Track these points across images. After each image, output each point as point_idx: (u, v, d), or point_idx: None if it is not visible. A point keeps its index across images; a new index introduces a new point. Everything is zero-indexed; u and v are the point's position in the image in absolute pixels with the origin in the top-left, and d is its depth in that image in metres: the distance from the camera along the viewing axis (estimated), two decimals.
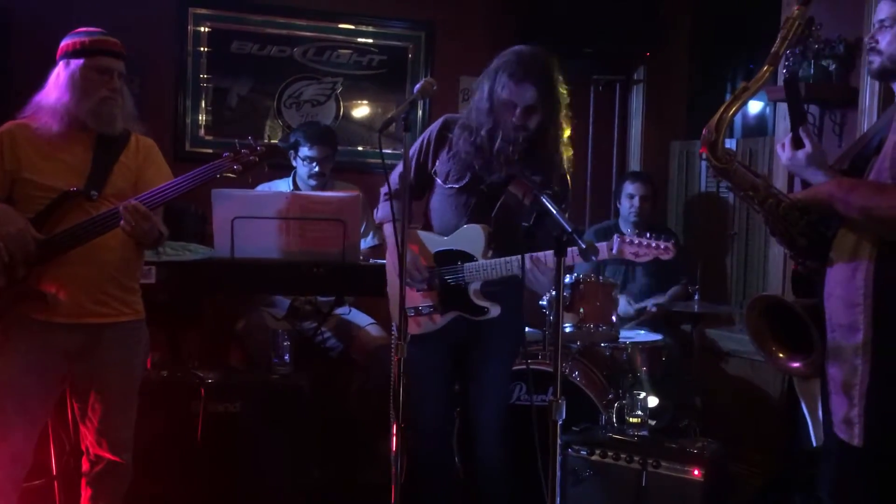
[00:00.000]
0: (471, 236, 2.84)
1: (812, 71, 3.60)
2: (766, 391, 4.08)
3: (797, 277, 2.18)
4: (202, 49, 4.36)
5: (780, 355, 2.12)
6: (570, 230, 2.09)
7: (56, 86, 2.52)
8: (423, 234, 2.93)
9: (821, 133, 3.73)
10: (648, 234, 2.69)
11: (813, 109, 3.74)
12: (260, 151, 2.58)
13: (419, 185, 2.97)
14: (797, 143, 2.09)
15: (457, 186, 2.85)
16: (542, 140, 2.78)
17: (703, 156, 2.02)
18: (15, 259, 2.42)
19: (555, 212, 2.22)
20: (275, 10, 4.44)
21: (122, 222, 2.42)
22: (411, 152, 2.93)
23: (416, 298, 2.88)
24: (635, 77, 4.89)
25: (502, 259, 2.76)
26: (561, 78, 2.80)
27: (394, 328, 3.04)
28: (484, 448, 2.95)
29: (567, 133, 2.85)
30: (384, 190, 2.98)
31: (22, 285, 2.46)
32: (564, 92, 2.80)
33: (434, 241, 2.90)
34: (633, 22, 4.46)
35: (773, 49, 1.98)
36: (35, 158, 2.51)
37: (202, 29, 4.35)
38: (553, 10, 4.42)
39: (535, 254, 2.67)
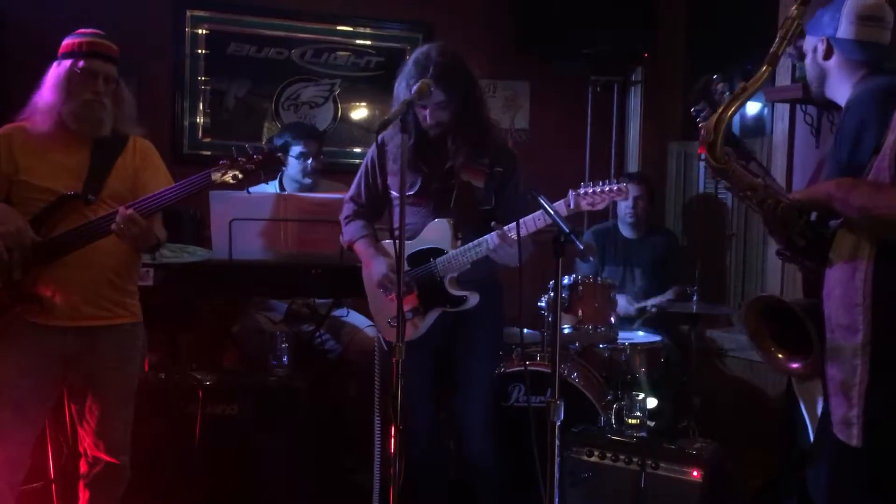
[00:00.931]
0: (437, 231, 2.88)
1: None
2: (765, 392, 4.08)
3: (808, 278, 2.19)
4: (200, 51, 4.35)
5: (779, 356, 2.12)
6: (567, 231, 2.09)
7: (47, 86, 2.53)
8: (388, 242, 2.98)
9: (819, 133, 3.73)
10: (602, 182, 2.65)
11: (811, 110, 3.74)
12: (257, 159, 2.57)
13: (377, 206, 3.05)
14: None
15: (411, 193, 2.89)
16: (469, 123, 2.82)
17: (702, 156, 2.02)
18: (12, 259, 2.41)
19: (552, 212, 2.22)
20: (273, 12, 4.44)
21: (112, 226, 2.42)
22: (357, 176, 3.05)
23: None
24: (633, 78, 4.89)
25: (470, 244, 2.80)
26: (459, 62, 2.83)
27: (379, 338, 3.05)
28: (472, 446, 2.98)
29: (487, 109, 2.92)
30: (342, 216, 3.06)
31: (18, 288, 2.45)
32: (473, 77, 2.85)
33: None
34: (630, 23, 4.46)
35: (771, 49, 1.98)
36: (32, 161, 2.51)
37: (200, 31, 4.35)
38: (551, 12, 4.42)
39: (498, 230, 2.70)
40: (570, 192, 2.67)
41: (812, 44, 2.24)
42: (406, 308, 2.88)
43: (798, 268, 2.18)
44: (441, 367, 3.02)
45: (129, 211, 2.42)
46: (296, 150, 3.82)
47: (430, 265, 2.87)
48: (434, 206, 2.89)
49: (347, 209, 3.06)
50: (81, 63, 2.50)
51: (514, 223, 2.60)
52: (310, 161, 3.82)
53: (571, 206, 2.66)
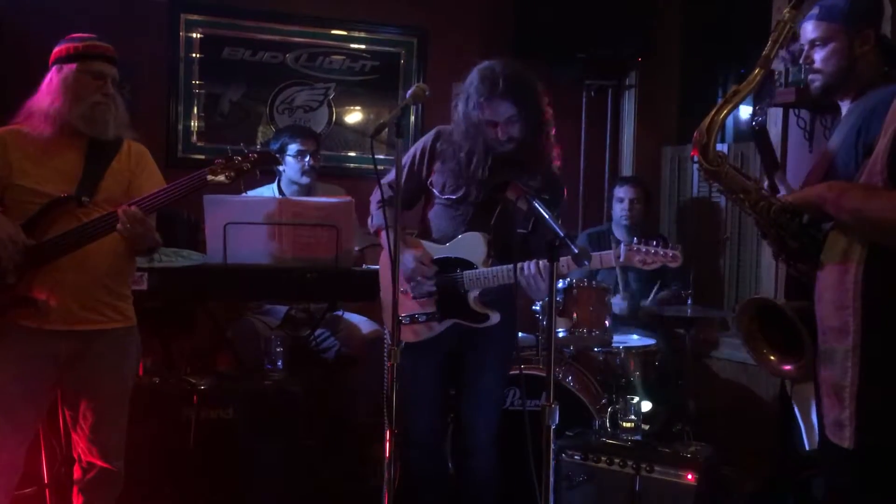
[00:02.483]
0: (471, 244, 2.83)
1: (803, 76, 3.61)
2: (759, 395, 4.09)
3: (791, 280, 2.19)
4: (194, 55, 4.36)
5: (772, 358, 2.12)
6: (562, 235, 2.10)
7: (49, 91, 2.52)
8: (424, 242, 2.92)
9: (812, 138, 3.75)
10: (655, 243, 2.70)
11: (804, 114, 3.76)
12: (252, 158, 2.57)
13: (413, 194, 2.97)
14: (773, 190, 2.14)
15: (454, 197, 2.86)
16: (530, 145, 2.79)
17: (695, 159, 2.03)
18: (5, 265, 2.41)
19: (547, 217, 2.23)
20: (267, 16, 4.45)
21: (118, 226, 2.41)
22: (405, 160, 2.94)
23: (412, 306, 2.87)
24: (627, 82, 4.91)
25: (504, 267, 2.76)
26: (533, 78, 2.81)
27: (387, 335, 3.03)
28: (476, 455, 2.95)
29: (552, 132, 2.87)
30: (375, 198, 2.98)
31: (12, 292, 2.45)
32: (540, 92, 2.82)
33: (433, 249, 2.89)
34: (624, 27, 4.48)
35: (764, 52, 1.99)
36: (26, 164, 2.51)
37: (194, 35, 4.35)
38: (545, 16, 4.44)
39: (540, 261, 2.66)
40: (622, 245, 2.68)
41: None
42: (423, 310, 2.88)
43: (788, 270, 2.18)
44: (451, 371, 2.97)
45: (133, 208, 2.42)
46: (293, 148, 3.82)
47: (458, 276, 2.83)
48: (472, 216, 2.85)
49: (386, 191, 2.94)
50: (90, 65, 2.50)
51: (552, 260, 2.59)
52: (307, 159, 3.81)
53: (621, 259, 2.67)
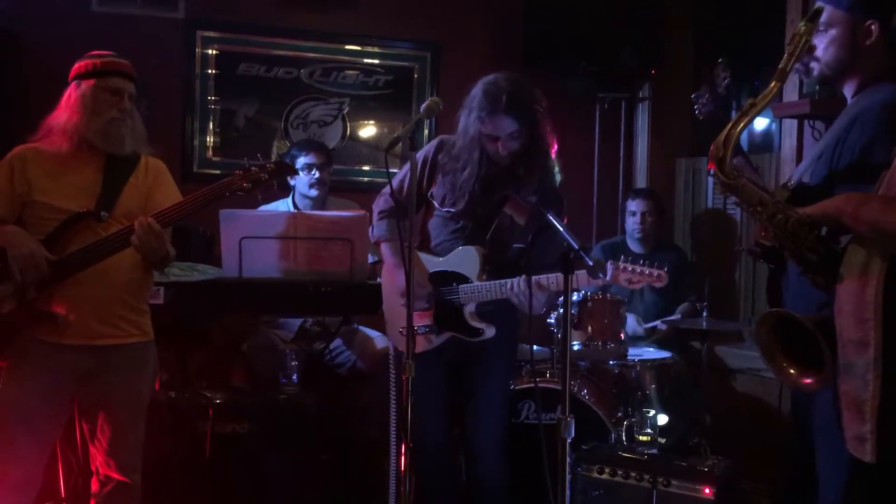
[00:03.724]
0: (466, 258, 2.87)
1: (818, 87, 3.60)
2: (776, 408, 4.05)
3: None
4: (210, 71, 4.39)
5: (791, 371, 2.10)
6: (577, 248, 2.10)
7: (67, 107, 2.55)
8: (420, 254, 2.95)
9: None
10: (642, 262, 2.74)
11: (819, 126, 3.74)
12: (269, 169, 2.59)
13: (415, 204, 2.98)
14: None
15: (452, 210, 2.88)
16: (529, 161, 2.81)
17: (711, 172, 2.02)
18: (26, 280, 2.43)
19: (562, 230, 2.23)
20: (281, 32, 4.48)
21: (132, 237, 2.43)
22: (402, 172, 2.97)
23: (414, 318, 2.87)
24: (640, 94, 4.91)
25: (498, 282, 2.78)
26: (536, 93, 2.82)
27: (390, 346, 3.04)
28: (483, 464, 2.96)
29: (553, 147, 2.88)
30: (377, 207, 3.01)
31: (32, 307, 2.46)
32: (543, 106, 2.82)
33: (430, 262, 2.93)
34: (637, 39, 4.48)
35: (780, 65, 1.99)
36: (45, 181, 2.53)
37: (210, 51, 4.39)
38: (557, 29, 4.45)
39: (536, 277, 2.68)
40: (609, 263, 2.70)
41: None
42: (421, 323, 2.88)
43: (808, 282, 2.16)
44: (454, 380, 2.99)
45: (149, 219, 2.44)
46: (301, 161, 3.83)
47: (453, 289, 2.86)
48: (470, 229, 2.88)
49: (384, 203, 3.01)
50: (108, 81, 2.53)
51: (548, 276, 2.62)
52: (315, 173, 3.82)
53: (608, 278, 2.70)
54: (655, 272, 2.71)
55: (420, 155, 2.98)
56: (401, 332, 2.86)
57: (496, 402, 2.98)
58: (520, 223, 2.85)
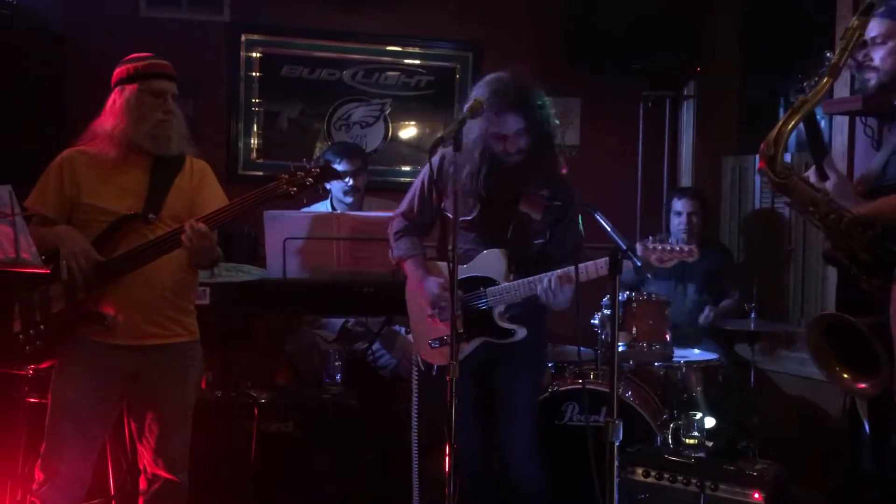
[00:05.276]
0: (491, 261, 2.84)
1: (857, 73, 3.52)
2: (826, 411, 3.97)
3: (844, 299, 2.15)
4: (254, 74, 4.44)
5: (845, 375, 2.06)
6: (625, 248, 2.07)
7: (112, 112, 2.58)
8: (441, 264, 2.94)
9: (880, 146, 3.63)
10: (671, 240, 2.67)
11: (871, 122, 3.65)
12: (315, 173, 2.60)
13: (428, 223, 3.01)
14: (822, 176, 2.09)
15: (468, 219, 2.87)
16: (537, 156, 2.79)
17: (762, 171, 1.98)
18: (76, 280, 2.47)
19: (609, 229, 2.20)
20: (324, 34, 4.51)
21: (183, 237, 2.45)
22: (415, 187, 3.00)
23: (441, 329, 2.87)
24: (685, 92, 4.84)
25: (525, 280, 2.77)
26: (536, 88, 2.79)
27: (416, 360, 3.02)
28: (515, 467, 2.92)
29: (556, 139, 2.86)
30: (392, 230, 3.02)
31: (81, 307, 2.51)
32: (543, 101, 2.79)
33: None
34: (682, 37, 4.42)
35: (832, 60, 1.95)
36: (94, 183, 2.57)
37: (254, 54, 4.43)
38: (602, 28, 4.41)
39: (557, 271, 2.67)
40: (638, 244, 2.64)
41: None
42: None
43: (860, 284, 2.11)
44: (484, 386, 2.97)
45: (200, 224, 2.46)
46: (335, 168, 3.83)
47: (481, 293, 2.85)
48: (490, 233, 2.86)
49: (398, 224, 3.04)
50: (150, 84, 2.56)
51: (573, 266, 2.59)
52: (349, 180, 3.82)
53: (639, 262, 2.63)
54: (686, 247, 2.63)
55: (423, 174, 2.99)
56: (430, 344, 2.87)
57: (524, 406, 2.94)
58: (536, 218, 2.84)
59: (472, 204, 2.85)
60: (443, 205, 2.94)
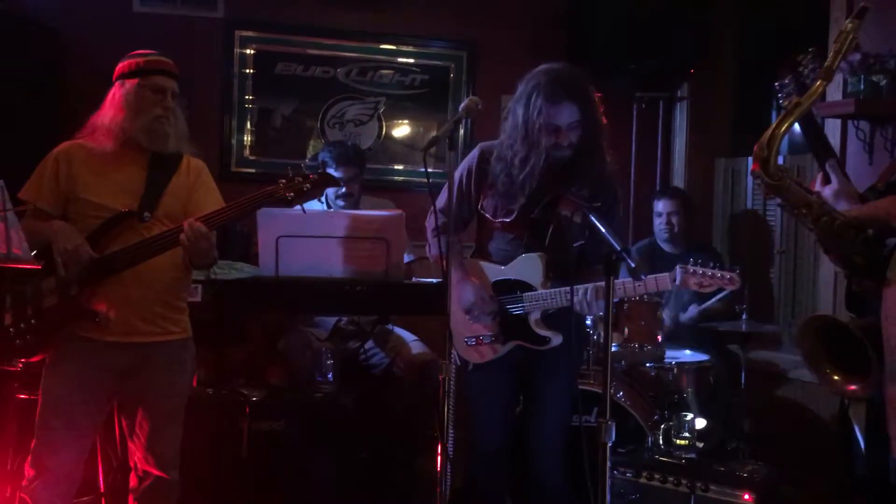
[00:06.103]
0: (529, 266, 2.79)
1: (862, 87, 3.54)
2: (817, 413, 3.99)
3: (852, 294, 2.14)
4: (247, 71, 4.43)
5: (836, 377, 2.07)
6: (619, 249, 2.07)
7: (111, 105, 2.57)
8: (482, 263, 2.89)
9: (872, 149, 3.66)
10: (712, 265, 2.67)
11: (864, 126, 3.67)
12: (313, 179, 2.58)
13: (466, 219, 2.95)
14: (825, 180, 2.09)
15: (507, 220, 2.80)
16: (586, 153, 2.72)
17: (755, 173, 1.99)
18: (69, 275, 2.46)
19: (604, 231, 2.20)
20: (318, 31, 4.50)
21: (181, 236, 2.44)
22: (455, 178, 2.85)
23: (477, 328, 2.84)
24: (679, 94, 4.85)
25: (562, 289, 2.70)
26: (591, 82, 2.74)
27: (455, 358, 2.99)
28: (542, 466, 2.88)
29: (606, 138, 2.79)
30: (430, 225, 2.94)
31: (74, 303, 2.50)
32: (596, 96, 2.74)
33: (492, 271, 2.86)
34: (676, 38, 4.42)
35: (826, 63, 1.95)
36: (90, 178, 2.56)
37: (248, 51, 4.43)
38: (596, 28, 4.41)
39: (597, 284, 2.61)
40: (678, 267, 2.64)
41: None
42: (487, 332, 2.84)
43: (853, 286, 2.12)
44: (519, 385, 2.93)
45: (199, 224, 2.45)
46: (329, 172, 3.82)
47: (517, 298, 2.79)
48: (528, 236, 2.79)
49: (436, 220, 2.90)
50: (151, 80, 2.56)
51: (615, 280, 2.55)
52: (342, 188, 3.80)
53: (677, 283, 2.64)
54: (728, 275, 2.63)
55: (462, 169, 2.89)
56: (465, 342, 2.85)
57: (557, 404, 2.88)
58: (577, 221, 2.75)
59: (513, 204, 2.76)
60: (482, 204, 2.84)
